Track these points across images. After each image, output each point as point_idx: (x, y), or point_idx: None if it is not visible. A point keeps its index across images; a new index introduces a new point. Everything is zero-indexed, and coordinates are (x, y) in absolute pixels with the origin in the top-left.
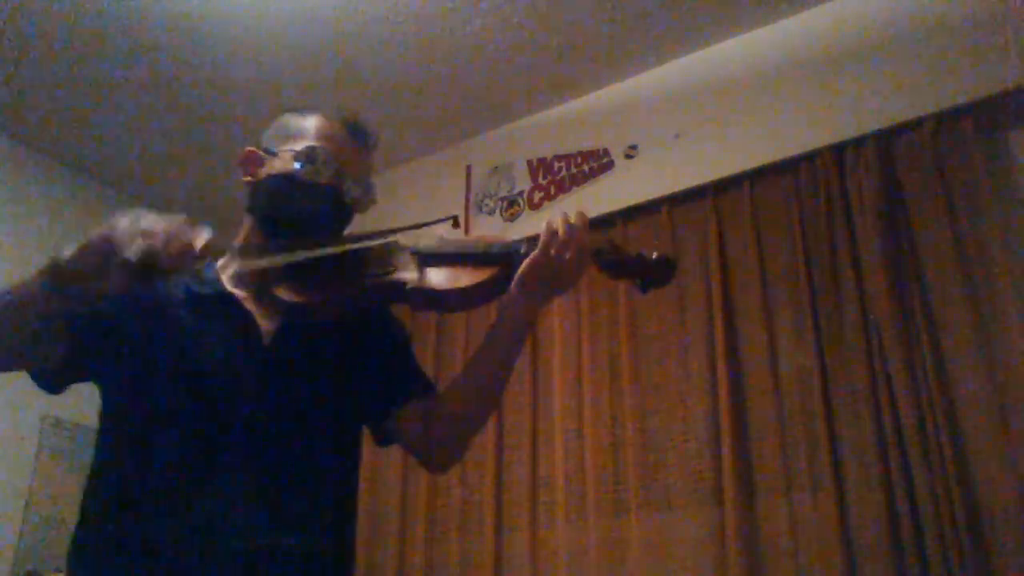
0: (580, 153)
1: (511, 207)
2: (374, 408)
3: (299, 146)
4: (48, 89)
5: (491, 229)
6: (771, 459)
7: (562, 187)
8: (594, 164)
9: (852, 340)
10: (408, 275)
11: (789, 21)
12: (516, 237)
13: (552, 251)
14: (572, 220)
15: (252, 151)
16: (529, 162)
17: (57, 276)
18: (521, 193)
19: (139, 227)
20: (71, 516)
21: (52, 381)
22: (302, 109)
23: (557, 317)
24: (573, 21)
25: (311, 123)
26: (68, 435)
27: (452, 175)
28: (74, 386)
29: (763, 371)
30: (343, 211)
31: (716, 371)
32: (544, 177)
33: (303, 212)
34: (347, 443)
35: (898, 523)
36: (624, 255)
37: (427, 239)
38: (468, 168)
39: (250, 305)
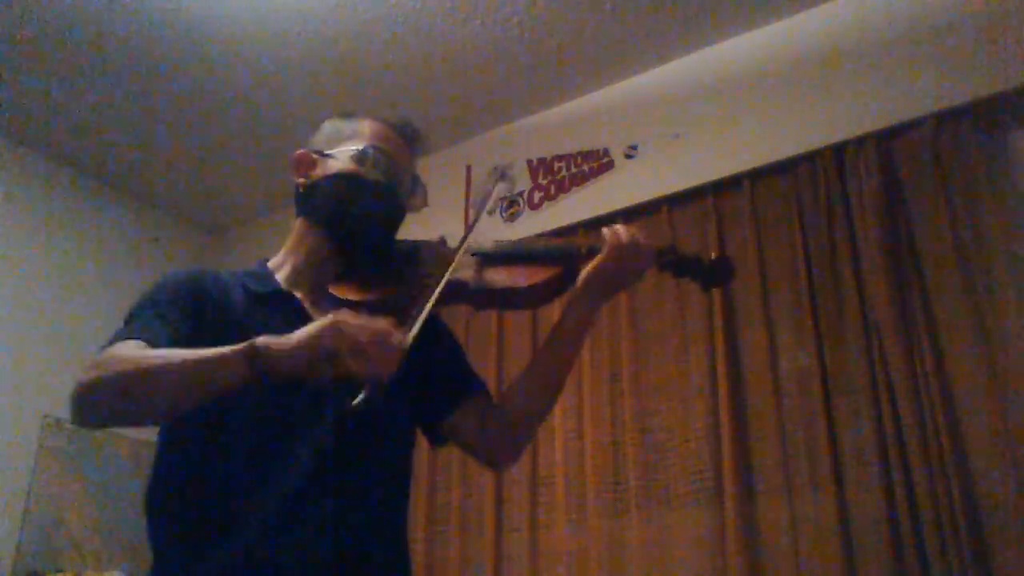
0: (580, 153)
1: (511, 207)
2: (432, 410)
3: (356, 147)
4: (48, 89)
5: (491, 229)
6: (771, 459)
7: (562, 187)
8: (594, 164)
9: (852, 340)
10: (470, 275)
11: (789, 21)
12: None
13: (618, 254)
14: (634, 231)
15: (305, 153)
16: (529, 162)
17: (260, 363)
18: (521, 193)
19: (354, 344)
20: (71, 516)
21: None
22: (349, 113)
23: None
24: (573, 21)
25: (365, 126)
26: (68, 435)
27: (452, 175)
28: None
29: (763, 371)
30: (400, 210)
31: (716, 371)
32: (544, 177)
33: (365, 211)
34: (403, 446)
35: (898, 523)
36: (683, 257)
37: (485, 241)
38: (468, 168)
39: (311, 310)
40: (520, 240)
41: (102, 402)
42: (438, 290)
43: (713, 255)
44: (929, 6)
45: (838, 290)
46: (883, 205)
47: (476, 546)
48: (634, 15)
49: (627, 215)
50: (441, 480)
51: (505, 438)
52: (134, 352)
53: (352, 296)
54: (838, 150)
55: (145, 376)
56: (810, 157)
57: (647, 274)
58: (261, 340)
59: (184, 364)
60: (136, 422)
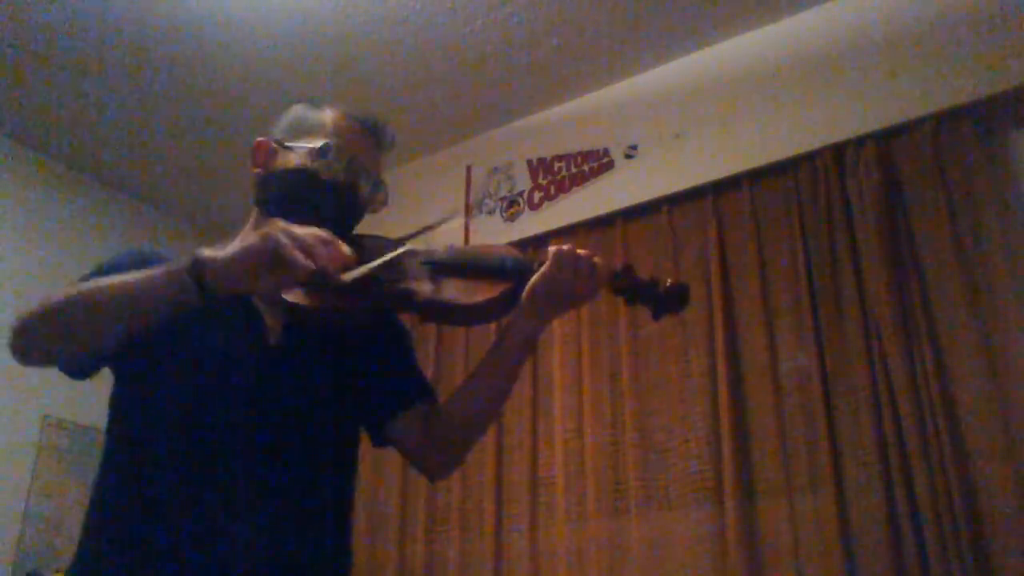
0: (580, 153)
1: (511, 207)
2: (375, 411)
3: (316, 142)
4: (48, 89)
5: (491, 229)
6: (771, 459)
7: (562, 187)
8: (594, 164)
9: (852, 340)
10: (420, 286)
11: (789, 21)
12: (518, 238)
13: (565, 270)
14: (586, 250)
15: (265, 142)
16: (529, 162)
17: (206, 274)
18: (521, 193)
19: (300, 240)
20: (71, 516)
21: (83, 367)
22: (316, 102)
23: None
24: (573, 21)
25: (328, 118)
26: (68, 435)
27: (452, 175)
28: (74, 386)
29: (763, 371)
30: (357, 210)
31: (716, 371)
32: (544, 177)
33: (317, 209)
34: (346, 444)
35: (898, 523)
36: (638, 281)
37: (438, 248)
38: (468, 168)
39: (257, 302)
40: (473, 248)
41: (40, 331)
42: (391, 256)
43: (669, 282)
44: (928, 6)
45: (838, 290)
46: (883, 205)
47: (476, 546)
48: (634, 15)
49: (627, 215)
50: (441, 480)
51: (443, 449)
52: (71, 285)
53: (301, 300)
54: (838, 150)
55: (83, 299)
56: (810, 157)
57: (599, 294)
58: (204, 251)
59: (124, 283)
60: (79, 352)
